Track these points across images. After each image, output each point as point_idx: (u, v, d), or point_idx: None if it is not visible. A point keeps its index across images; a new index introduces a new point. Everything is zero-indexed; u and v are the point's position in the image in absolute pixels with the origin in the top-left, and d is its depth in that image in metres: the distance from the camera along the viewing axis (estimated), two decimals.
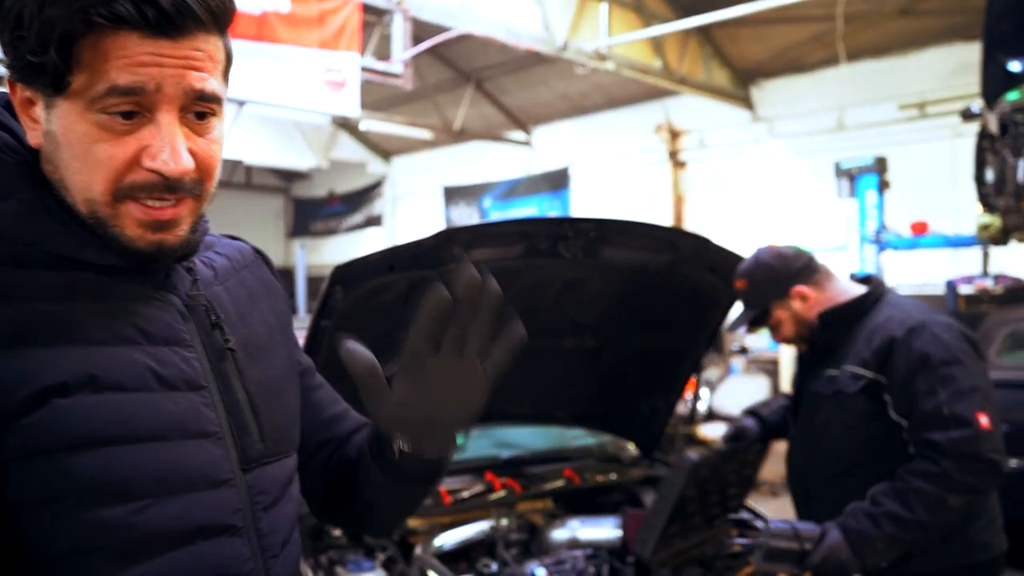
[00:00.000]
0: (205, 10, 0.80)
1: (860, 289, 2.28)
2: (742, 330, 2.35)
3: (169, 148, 0.80)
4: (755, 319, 2.33)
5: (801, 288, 2.27)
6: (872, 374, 2.11)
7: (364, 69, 7.74)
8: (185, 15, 0.79)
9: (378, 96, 12.47)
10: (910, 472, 2.02)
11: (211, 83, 0.83)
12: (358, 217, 18.29)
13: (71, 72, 0.78)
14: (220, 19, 0.84)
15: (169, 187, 0.82)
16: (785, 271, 2.28)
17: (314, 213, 19.31)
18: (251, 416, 0.93)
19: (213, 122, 0.86)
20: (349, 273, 2.18)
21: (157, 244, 0.85)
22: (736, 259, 2.63)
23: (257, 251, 1.10)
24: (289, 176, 19.04)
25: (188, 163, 0.82)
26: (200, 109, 0.84)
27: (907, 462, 2.05)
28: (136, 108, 0.80)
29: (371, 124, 12.33)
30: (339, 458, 1.13)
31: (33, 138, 0.85)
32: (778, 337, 2.34)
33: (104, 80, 0.78)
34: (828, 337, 2.24)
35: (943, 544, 2.06)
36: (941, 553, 2.08)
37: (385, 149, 17.25)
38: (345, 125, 15.13)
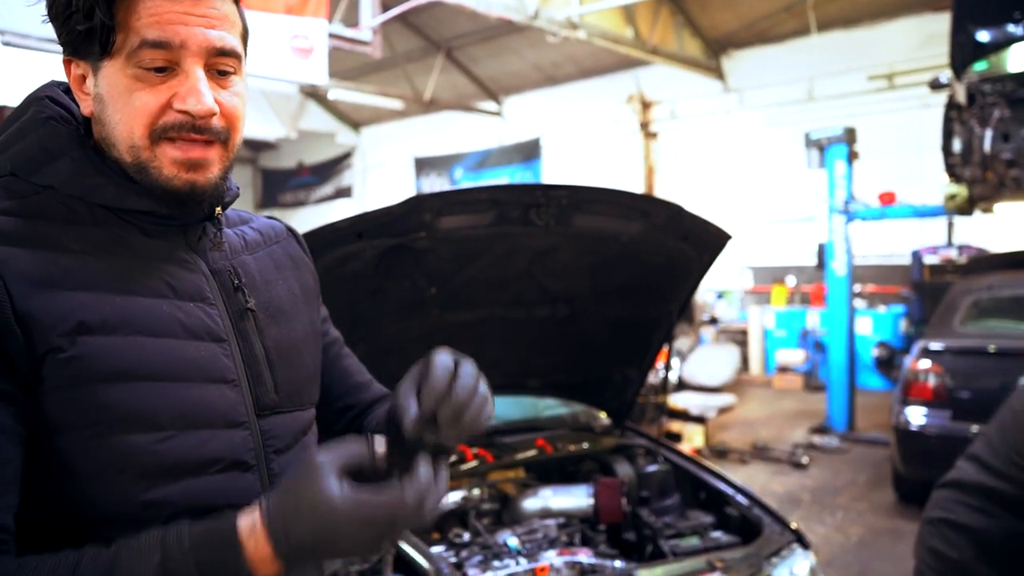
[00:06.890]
0: None
1: None
2: None
3: (196, 92, 0.93)
4: None
5: None
6: None
7: (332, 36, 7.59)
8: None
9: (347, 65, 12.28)
10: None
11: (229, 40, 0.96)
12: (328, 188, 18.09)
13: (115, 30, 0.91)
14: None
15: (196, 128, 0.94)
16: None
17: (283, 184, 19.05)
18: (267, 369, 1.05)
19: (234, 79, 0.99)
20: (317, 241, 2.12)
21: (190, 184, 0.96)
22: (710, 228, 2.61)
23: (290, 229, 1.25)
24: (257, 146, 18.75)
25: (212, 104, 0.94)
26: (222, 67, 0.97)
27: None
28: (167, 63, 0.93)
29: (340, 93, 12.14)
30: (360, 424, 1.24)
31: (85, 107, 0.98)
32: None
33: (137, 35, 0.91)
34: None
35: None
36: None
37: (354, 119, 17.03)
38: (313, 95, 14.91)
